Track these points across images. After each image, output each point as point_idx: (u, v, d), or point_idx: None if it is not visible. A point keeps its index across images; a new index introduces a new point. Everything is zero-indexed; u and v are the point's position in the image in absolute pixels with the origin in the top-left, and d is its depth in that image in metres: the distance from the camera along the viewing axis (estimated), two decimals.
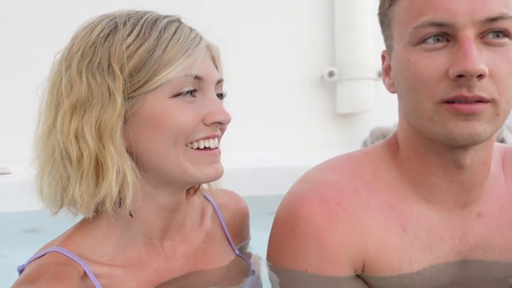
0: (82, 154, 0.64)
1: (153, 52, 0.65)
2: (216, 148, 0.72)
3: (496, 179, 0.82)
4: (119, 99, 0.64)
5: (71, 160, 0.65)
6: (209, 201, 0.87)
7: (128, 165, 0.66)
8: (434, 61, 0.67)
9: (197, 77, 0.68)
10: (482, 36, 0.67)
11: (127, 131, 0.67)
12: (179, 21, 0.72)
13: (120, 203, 0.68)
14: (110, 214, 0.67)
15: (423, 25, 0.67)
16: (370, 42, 2.67)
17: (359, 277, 0.77)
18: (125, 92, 0.65)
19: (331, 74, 2.71)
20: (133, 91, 0.65)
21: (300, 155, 2.35)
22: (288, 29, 2.75)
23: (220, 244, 0.84)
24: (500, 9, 0.66)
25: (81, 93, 0.64)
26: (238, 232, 0.89)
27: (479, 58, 0.64)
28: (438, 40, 0.67)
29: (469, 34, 0.65)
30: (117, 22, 0.67)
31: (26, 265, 0.69)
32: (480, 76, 0.65)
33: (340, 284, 0.75)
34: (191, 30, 0.71)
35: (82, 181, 0.65)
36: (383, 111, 2.27)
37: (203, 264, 0.79)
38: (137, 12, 0.70)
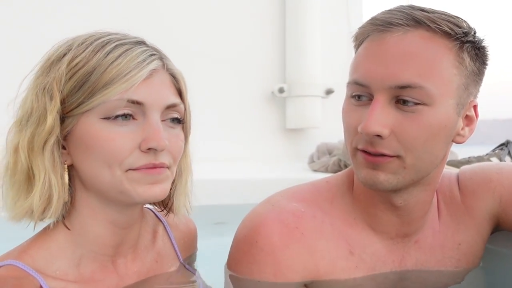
0: (17, 165, 0.68)
1: (90, 75, 0.66)
2: (155, 167, 0.68)
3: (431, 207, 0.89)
4: (50, 118, 0.66)
5: (8, 171, 0.69)
6: (160, 220, 0.89)
7: (58, 179, 0.68)
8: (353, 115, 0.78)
9: (134, 102, 0.67)
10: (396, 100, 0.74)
11: (69, 149, 0.70)
12: (136, 43, 0.71)
13: (63, 216, 0.71)
14: (55, 224, 0.71)
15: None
16: (318, 62, 2.79)
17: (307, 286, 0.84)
18: (63, 112, 0.68)
19: (281, 90, 2.81)
20: (69, 111, 0.68)
21: (250, 167, 2.41)
22: (242, 47, 2.84)
23: (171, 263, 0.86)
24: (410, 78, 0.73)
25: (26, 109, 0.69)
26: (186, 249, 0.92)
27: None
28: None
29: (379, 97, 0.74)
30: (72, 44, 0.70)
31: None
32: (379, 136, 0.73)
33: None
34: (144, 53, 0.69)
35: (14, 191, 0.69)
36: (329, 127, 2.38)
37: (155, 283, 0.80)
38: (101, 34, 0.71)
